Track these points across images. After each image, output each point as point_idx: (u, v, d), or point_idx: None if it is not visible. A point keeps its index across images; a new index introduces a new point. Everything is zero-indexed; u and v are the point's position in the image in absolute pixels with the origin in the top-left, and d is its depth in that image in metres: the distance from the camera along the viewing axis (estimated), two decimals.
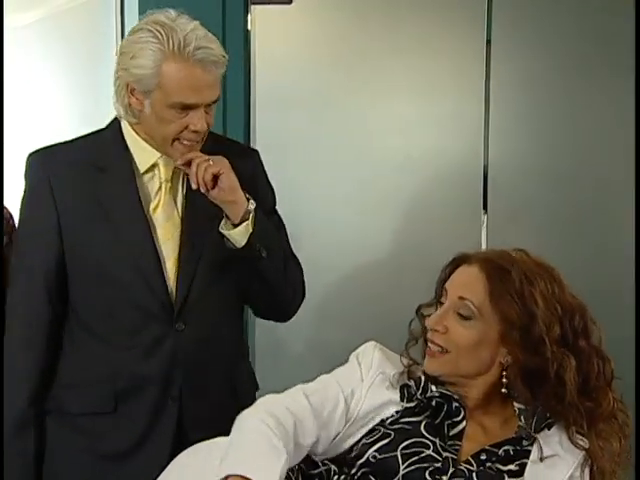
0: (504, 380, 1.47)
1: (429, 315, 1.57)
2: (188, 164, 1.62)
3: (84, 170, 1.68)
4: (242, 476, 1.30)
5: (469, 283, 1.48)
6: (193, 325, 1.69)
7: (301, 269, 1.82)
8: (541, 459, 1.42)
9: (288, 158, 2.47)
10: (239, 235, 1.63)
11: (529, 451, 1.43)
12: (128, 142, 1.69)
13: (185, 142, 1.63)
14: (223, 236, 1.65)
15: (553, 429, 1.46)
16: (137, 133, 1.68)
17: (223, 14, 2.38)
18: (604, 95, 2.37)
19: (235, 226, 1.63)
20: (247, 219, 1.63)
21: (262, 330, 2.50)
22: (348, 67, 2.44)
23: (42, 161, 1.71)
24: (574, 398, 1.42)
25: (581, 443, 1.43)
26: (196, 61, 1.56)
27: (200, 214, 1.69)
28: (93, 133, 1.76)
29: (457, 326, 1.46)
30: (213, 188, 1.60)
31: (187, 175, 1.65)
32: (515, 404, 1.47)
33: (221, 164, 1.61)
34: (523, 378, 1.44)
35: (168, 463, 1.47)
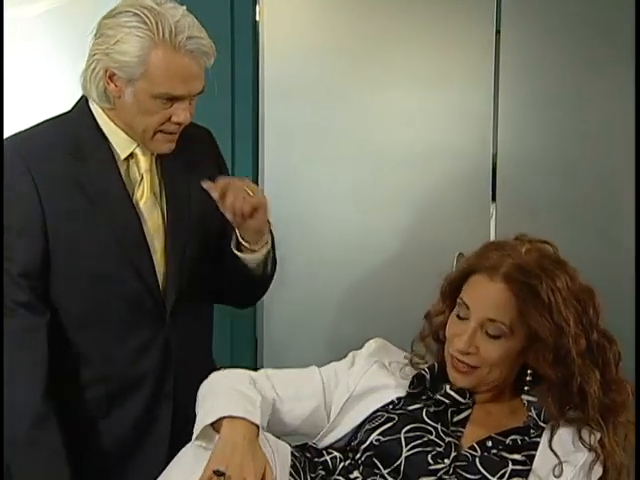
0: (528, 378, 1.49)
1: (439, 321, 1.57)
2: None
3: (64, 159, 1.57)
4: (233, 416, 1.36)
5: (498, 304, 1.46)
6: (181, 320, 1.66)
7: None
8: (551, 448, 1.42)
9: (296, 148, 2.46)
10: (254, 258, 1.63)
11: (537, 443, 1.43)
12: (103, 128, 1.60)
13: (166, 134, 1.57)
14: (205, 230, 1.64)
15: (563, 425, 1.45)
16: (110, 119, 1.59)
17: (232, 4, 2.38)
18: (613, 86, 2.36)
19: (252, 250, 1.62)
20: (266, 243, 1.64)
21: (269, 327, 2.50)
22: (356, 58, 2.43)
23: (18, 150, 1.57)
24: (595, 408, 1.42)
25: (592, 442, 1.43)
26: (187, 51, 1.50)
27: (181, 206, 1.65)
28: (59, 116, 1.66)
29: (487, 345, 1.46)
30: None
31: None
32: (524, 397, 1.48)
33: (260, 198, 1.56)
34: (546, 388, 1.45)
35: (168, 462, 1.44)
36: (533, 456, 1.42)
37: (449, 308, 1.54)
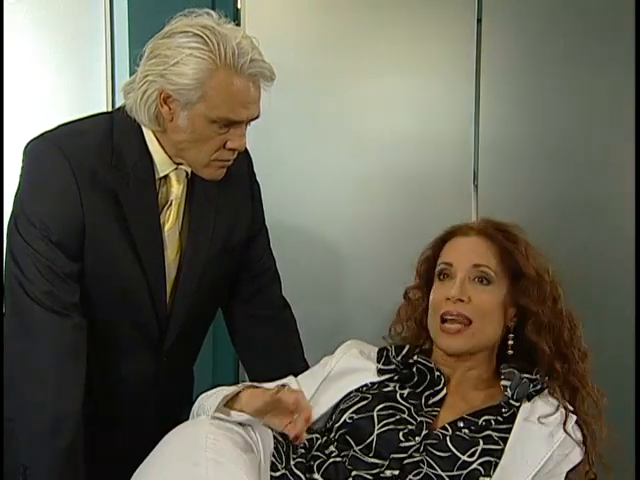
0: (510, 342, 1.52)
1: (416, 298, 1.59)
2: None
3: (105, 167, 1.49)
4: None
5: (479, 251, 1.51)
6: (177, 349, 1.64)
7: None
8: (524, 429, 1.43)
9: (280, 137, 2.46)
10: None
11: (510, 429, 1.44)
12: (150, 147, 1.53)
13: (219, 161, 1.51)
14: (223, 261, 1.63)
15: (533, 400, 1.48)
16: (156, 137, 1.52)
17: None
18: (595, 74, 2.37)
19: None
20: None
21: None
22: (338, 47, 2.43)
23: (64, 152, 1.48)
24: (575, 358, 1.48)
25: (559, 401, 1.46)
26: (249, 75, 1.44)
27: (202, 239, 1.60)
28: (102, 115, 1.60)
29: (479, 293, 1.49)
30: None
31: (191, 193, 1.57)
32: (502, 382, 1.49)
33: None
34: (535, 332, 1.48)
35: None
36: (506, 438, 1.43)
37: (426, 289, 1.56)
